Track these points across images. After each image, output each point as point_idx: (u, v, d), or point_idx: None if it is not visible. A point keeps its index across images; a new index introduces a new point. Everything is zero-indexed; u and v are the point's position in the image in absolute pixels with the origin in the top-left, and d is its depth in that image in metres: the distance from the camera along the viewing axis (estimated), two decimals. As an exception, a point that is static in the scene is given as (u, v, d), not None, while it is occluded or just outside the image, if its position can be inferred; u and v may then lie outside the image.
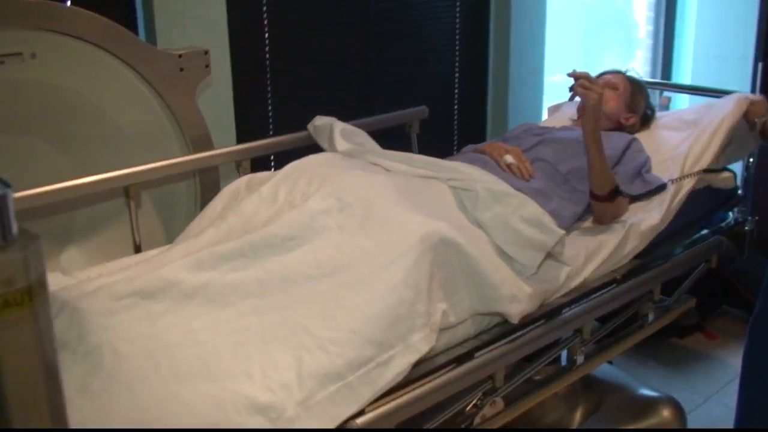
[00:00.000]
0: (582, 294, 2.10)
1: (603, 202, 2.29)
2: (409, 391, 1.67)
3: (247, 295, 1.68)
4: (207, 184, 2.44)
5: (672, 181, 2.46)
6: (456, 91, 3.76)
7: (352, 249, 1.76)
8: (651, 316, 2.36)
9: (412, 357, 1.65)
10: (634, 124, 2.83)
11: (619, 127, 2.79)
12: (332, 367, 1.57)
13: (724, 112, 2.67)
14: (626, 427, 2.56)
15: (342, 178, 1.94)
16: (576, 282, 2.11)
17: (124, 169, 2.16)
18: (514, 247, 1.90)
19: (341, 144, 2.27)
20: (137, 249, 2.19)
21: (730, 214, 2.81)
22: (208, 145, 2.41)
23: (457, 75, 3.73)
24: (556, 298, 2.04)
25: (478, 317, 1.86)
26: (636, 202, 2.46)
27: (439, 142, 3.74)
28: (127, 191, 2.14)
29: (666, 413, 2.61)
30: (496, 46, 3.80)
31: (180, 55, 2.33)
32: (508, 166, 2.34)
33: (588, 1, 5.40)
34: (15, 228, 0.83)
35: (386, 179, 2.00)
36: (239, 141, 2.79)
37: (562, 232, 1.91)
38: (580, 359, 2.12)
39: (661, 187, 2.45)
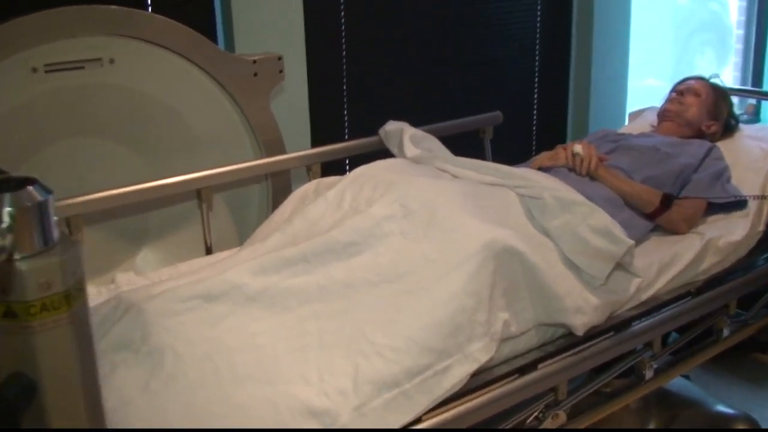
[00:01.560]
0: (653, 307, 2.05)
1: (661, 215, 2.30)
2: (468, 401, 1.65)
3: (307, 300, 1.69)
4: (278, 187, 2.47)
5: (753, 197, 2.42)
6: (535, 96, 3.72)
7: (414, 255, 1.75)
8: (726, 331, 2.29)
9: (470, 366, 1.63)
10: (715, 132, 2.78)
11: (700, 135, 2.74)
12: (389, 374, 1.56)
13: None
14: (700, 444, 2.49)
15: (407, 185, 1.93)
16: (647, 294, 2.06)
17: (198, 171, 2.21)
18: (582, 257, 1.87)
19: (410, 150, 2.27)
20: (209, 251, 2.23)
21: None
22: (280, 149, 2.44)
23: (536, 79, 3.69)
24: (626, 310, 2.00)
25: (542, 328, 1.83)
26: (716, 214, 2.41)
27: (517, 147, 3.70)
28: (200, 194, 2.19)
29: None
30: (578, 51, 3.75)
31: (254, 61, 2.37)
32: (574, 155, 2.35)
33: (682, 4, 5.27)
34: (56, 233, 0.85)
35: (452, 186, 1.98)
36: (314, 145, 2.81)
37: (632, 242, 1.87)
38: (649, 374, 2.06)
39: (742, 203, 2.42)
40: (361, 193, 1.97)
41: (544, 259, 1.81)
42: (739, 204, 2.43)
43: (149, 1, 2.50)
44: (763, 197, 2.44)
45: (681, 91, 2.82)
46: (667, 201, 2.29)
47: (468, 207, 1.86)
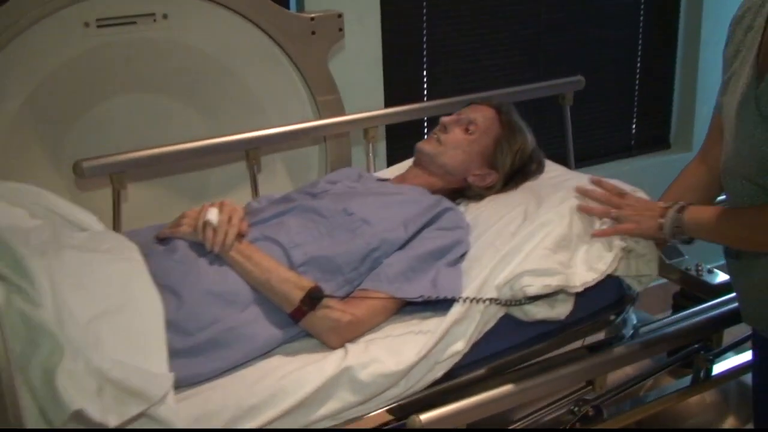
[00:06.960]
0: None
1: (303, 318, 1.56)
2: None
3: None
4: (337, 150, 2.40)
5: (464, 299, 1.59)
6: (638, 63, 3.46)
7: None
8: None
9: None
10: (491, 185, 1.98)
11: (463, 188, 1.99)
12: None
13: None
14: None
15: None
16: None
17: (251, 130, 2.15)
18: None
19: None
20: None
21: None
22: (338, 110, 2.35)
23: (640, 44, 3.43)
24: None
25: None
26: (425, 313, 1.66)
27: (617, 119, 3.52)
28: (248, 155, 2.13)
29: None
30: (687, 16, 3.46)
31: (312, 18, 2.29)
32: (204, 225, 1.64)
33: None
34: None
35: None
36: (387, 106, 2.72)
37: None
38: None
39: (448, 301, 1.61)
40: None
41: None
42: (450, 303, 1.60)
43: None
44: (477, 300, 1.59)
45: (446, 124, 1.99)
46: (310, 299, 1.55)
47: None
